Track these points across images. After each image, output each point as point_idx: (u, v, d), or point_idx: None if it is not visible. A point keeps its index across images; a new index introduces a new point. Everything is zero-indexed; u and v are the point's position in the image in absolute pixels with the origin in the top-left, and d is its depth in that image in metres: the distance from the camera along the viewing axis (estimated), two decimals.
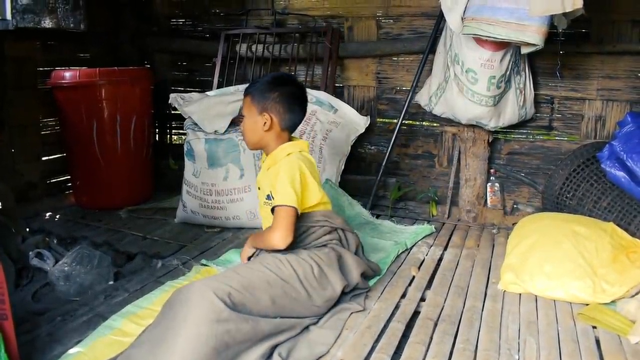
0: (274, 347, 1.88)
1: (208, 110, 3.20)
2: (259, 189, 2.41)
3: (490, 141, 3.44)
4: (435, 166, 3.78)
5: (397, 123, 3.50)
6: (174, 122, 4.51)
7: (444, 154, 3.73)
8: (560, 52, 3.18)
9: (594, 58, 3.29)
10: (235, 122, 3.18)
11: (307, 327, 2.03)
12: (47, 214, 3.53)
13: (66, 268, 2.49)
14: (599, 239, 2.43)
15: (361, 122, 3.56)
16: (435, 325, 2.10)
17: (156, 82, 3.96)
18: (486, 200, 3.47)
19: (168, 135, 4.56)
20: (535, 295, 2.34)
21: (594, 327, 2.10)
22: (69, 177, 3.92)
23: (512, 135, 3.55)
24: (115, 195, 3.68)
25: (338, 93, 3.87)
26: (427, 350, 1.92)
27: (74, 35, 3.86)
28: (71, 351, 1.86)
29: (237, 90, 3.50)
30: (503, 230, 3.25)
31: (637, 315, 2.09)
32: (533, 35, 2.65)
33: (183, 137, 4.28)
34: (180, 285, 2.31)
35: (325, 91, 3.63)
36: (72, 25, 3.71)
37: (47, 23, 3.57)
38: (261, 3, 4.10)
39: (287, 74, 2.89)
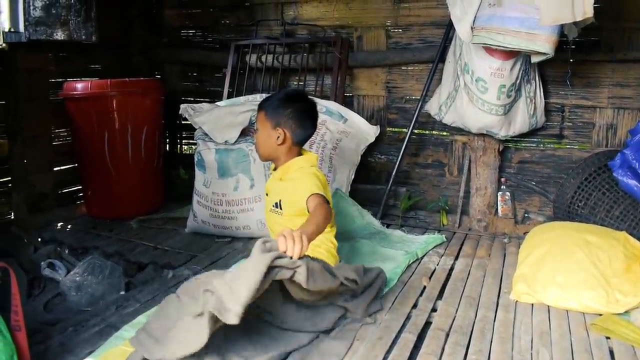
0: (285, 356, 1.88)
1: (218, 121, 3.21)
2: (267, 195, 2.47)
3: (500, 150, 3.43)
4: (446, 175, 3.77)
5: (407, 132, 3.49)
6: (184, 132, 4.54)
7: (454, 163, 3.73)
8: (571, 61, 3.17)
9: (605, 66, 3.27)
10: (245, 133, 3.19)
11: (317, 337, 2.03)
12: (59, 224, 3.56)
13: (78, 278, 2.51)
14: (611, 249, 2.41)
15: (371, 132, 3.56)
16: (447, 336, 2.09)
17: (167, 92, 3.99)
18: (497, 209, 3.46)
19: (178, 146, 4.58)
20: (548, 306, 2.32)
21: (608, 338, 2.07)
22: (80, 187, 3.94)
23: (523, 144, 3.53)
24: (126, 205, 3.70)
25: (348, 103, 3.87)
26: None
27: (85, 47, 3.89)
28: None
29: (247, 101, 3.51)
30: (514, 239, 3.23)
31: None
32: (543, 44, 2.65)
33: (193, 147, 4.30)
34: None
35: (334, 101, 3.65)
36: (83, 37, 3.75)
37: (60, 35, 3.61)
38: (270, 14, 4.12)
39: (299, 90, 2.96)
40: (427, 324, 2.19)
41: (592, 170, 3.09)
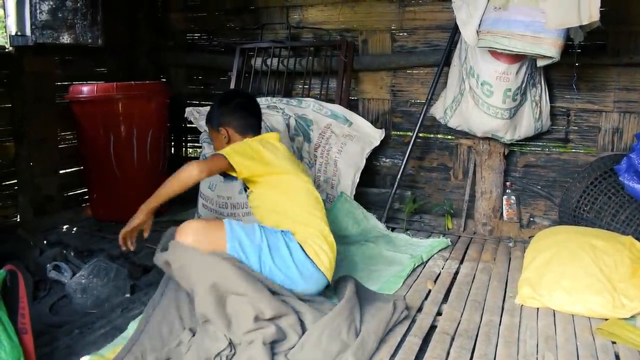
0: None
1: None
2: None
3: (506, 154, 3.42)
4: (451, 179, 3.77)
5: (412, 136, 3.49)
6: (189, 135, 4.55)
7: (459, 166, 3.72)
8: (577, 64, 3.17)
9: (611, 70, 3.27)
10: None
11: None
12: (64, 227, 3.57)
13: (83, 281, 2.51)
14: (617, 253, 2.40)
15: (376, 135, 3.57)
16: (452, 339, 2.08)
17: (172, 96, 4.00)
18: (502, 213, 3.45)
19: (184, 148, 4.59)
20: (554, 310, 2.32)
21: (614, 343, 2.07)
22: (85, 190, 3.96)
23: (528, 148, 3.53)
24: (132, 208, 3.62)
25: (352, 106, 3.88)
26: None
27: (91, 50, 3.91)
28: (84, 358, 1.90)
29: None
30: (519, 243, 3.22)
31: None
32: (549, 48, 2.64)
33: (198, 150, 4.32)
34: None
35: (339, 104, 3.65)
36: (89, 40, 3.77)
37: (66, 39, 3.63)
38: (276, 17, 4.13)
39: (228, 90, 3.37)
40: (433, 327, 2.19)
41: (597, 175, 3.08)
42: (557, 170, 3.48)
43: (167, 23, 4.55)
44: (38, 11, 3.45)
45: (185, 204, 3.85)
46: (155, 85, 3.88)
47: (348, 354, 1.87)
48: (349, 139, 3.50)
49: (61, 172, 3.87)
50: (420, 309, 2.34)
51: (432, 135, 3.78)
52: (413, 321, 2.22)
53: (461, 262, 2.94)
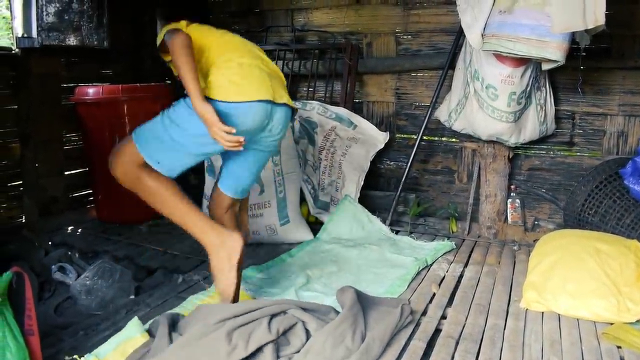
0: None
1: None
2: None
3: (510, 157, 3.42)
4: (455, 182, 3.77)
5: (416, 139, 3.49)
6: None
7: (463, 169, 3.72)
8: (581, 68, 3.16)
9: (616, 73, 3.26)
10: None
11: None
12: (69, 228, 3.57)
13: (88, 282, 2.51)
14: (622, 257, 2.39)
15: (380, 138, 3.57)
16: (457, 343, 2.08)
17: (177, 98, 3.99)
18: (507, 216, 3.45)
19: None
20: (558, 314, 2.31)
21: (619, 347, 2.06)
22: (90, 191, 3.97)
23: (533, 151, 3.53)
24: (136, 209, 3.67)
25: (357, 109, 3.88)
26: None
27: (96, 52, 3.93)
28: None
29: None
30: (524, 247, 3.22)
31: None
32: (554, 52, 2.64)
33: None
34: (202, 302, 2.34)
35: (344, 107, 3.66)
36: (95, 42, 3.79)
37: (72, 41, 3.64)
38: (281, 20, 4.14)
39: None
40: (437, 331, 2.19)
41: (602, 178, 3.07)
42: (562, 173, 3.48)
43: None
44: (44, 13, 3.46)
45: None
46: (160, 88, 3.88)
47: None
48: (354, 142, 3.50)
49: (66, 173, 3.88)
50: (424, 313, 2.34)
51: (436, 138, 3.78)
52: (417, 325, 2.22)
53: (466, 265, 2.93)
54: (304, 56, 4.01)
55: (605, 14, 2.46)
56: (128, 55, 4.40)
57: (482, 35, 2.86)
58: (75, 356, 1.92)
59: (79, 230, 3.53)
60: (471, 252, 3.14)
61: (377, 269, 2.80)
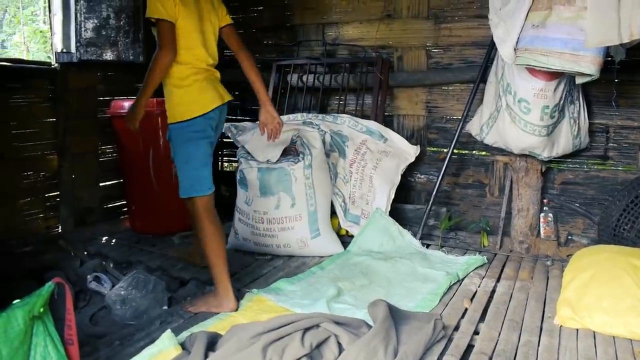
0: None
1: (260, 140, 3.26)
2: None
3: (543, 171, 3.38)
4: (487, 196, 3.74)
5: (447, 152, 3.48)
6: (225, 150, 4.61)
7: (495, 183, 3.69)
8: (616, 81, 3.12)
9: None
10: (287, 152, 3.24)
11: None
12: (104, 238, 3.64)
13: (122, 292, 2.56)
14: None
15: (411, 151, 3.57)
16: None
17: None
18: (539, 231, 3.40)
19: (220, 163, 4.65)
20: (594, 331, 2.27)
21: None
22: (124, 202, 4.04)
23: (566, 165, 3.48)
24: (169, 221, 3.77)
25: (388, 122, 3.89)
26: None
27: (132, 66, 4.01)
28: None
29: (289, 120, 3.57)
30: (557, 262, 3.17)
31: None
32: (588, 66, 2.62)
33: (234, 164, 4.37)
34: (235, 314, 2.36)
35: (375, 120, 3.67)
36: (131, 57, 3.88)
37: (109, 56, 3.74)
38: (312, 34, 4.18)
39: None
40: (470, 347, 2.17)
41: (638, 193, 3.02)
42: (596, 187, 3.43)
43: None
44: (83, 29, 3.57)
45: (221, 218, 3.89)
46: None
47: None
48: (384, 155, 3.51)
49: (101, 184, 3.98)
50: (457, 328, 2.33)
51: (467, 152, 3.76)
52: (450, 340, 2.21)
53: (498, 280, 2.90)
54: (335, 70, 4.04)
55: None
56: None
57: (514, 49, 2.84)
58: None
59: (113, 241, 3.60)
60: (503, 266, 3.11)
61: (408, 283, 2.80)
